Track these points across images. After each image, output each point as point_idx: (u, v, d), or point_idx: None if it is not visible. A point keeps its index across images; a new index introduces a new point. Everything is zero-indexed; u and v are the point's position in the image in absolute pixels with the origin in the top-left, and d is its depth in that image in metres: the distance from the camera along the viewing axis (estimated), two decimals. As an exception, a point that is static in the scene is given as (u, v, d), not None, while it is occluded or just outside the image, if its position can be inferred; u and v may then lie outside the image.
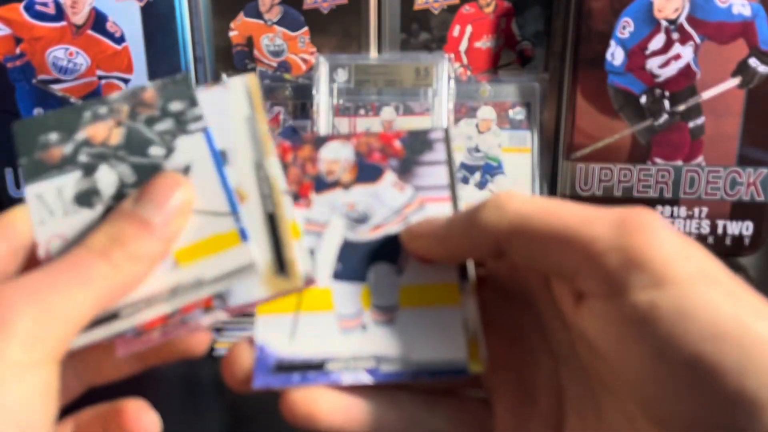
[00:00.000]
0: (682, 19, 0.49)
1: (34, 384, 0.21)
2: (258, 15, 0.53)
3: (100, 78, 0.51)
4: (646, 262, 0.19)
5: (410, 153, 0.28)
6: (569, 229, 0.20)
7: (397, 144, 0.28)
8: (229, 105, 0.27)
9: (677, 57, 0.50)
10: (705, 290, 0.18)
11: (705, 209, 0.52)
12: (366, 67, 0.49)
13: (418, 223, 0.26)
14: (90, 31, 0.50)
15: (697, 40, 0.49)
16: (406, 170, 0.28)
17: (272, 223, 0.26)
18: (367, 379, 0.25)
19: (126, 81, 0.51)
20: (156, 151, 0.26)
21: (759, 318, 0.18)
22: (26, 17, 0.49)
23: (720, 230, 0.52)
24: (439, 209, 0.27)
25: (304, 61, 0.54)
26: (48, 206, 0.26)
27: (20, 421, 0.21)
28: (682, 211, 0.52)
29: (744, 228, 0.52)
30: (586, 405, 0.23)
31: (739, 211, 0.52)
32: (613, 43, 0.50)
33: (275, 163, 0.26)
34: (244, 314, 0.26)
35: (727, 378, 0.18)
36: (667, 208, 0.52)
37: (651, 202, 0.53)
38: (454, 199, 0.27)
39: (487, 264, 0.27)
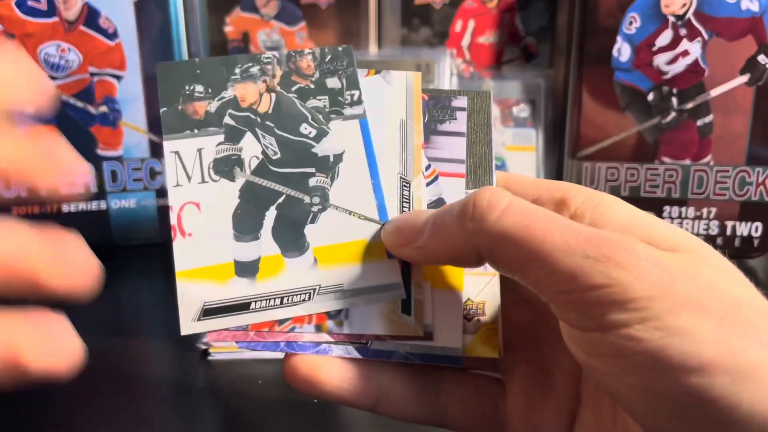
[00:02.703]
0: (690, 15, 0.49)
1: None
2: (254, 9, 0.53)
3: (93, 75, 0.50)
4: (628, 300, 0.18)
5: (428, 118, 0.25)
6: (549, 258, 0.19)
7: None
8: (385, 101, 0.24)
9: (685, 53, 0.49)
10: (689, 321, 0.18)
11: (713, 210, 0.51)
12: (366, 63, 0.48)
13: (397, 226, 0.24)
14: (82, 27, 0.49)
15: (705, 36, 0.49)
16: (424, 137, 0.25)
17: None
18: (356, 354, 0.24)
19: (119, 78, 0.50)
20: (307, 130, 0.24)
21: (749, 342, 0.18)
22: (17, 13, 0.48)
23: (729, 231, 0.51)
24: (453, 185, 0.25)
25: (302, 57, 0.54)
26: (185, 168, 0.23)
27: None
28: (690, 211, 0.51)
29: (753, 229, 0.51)
30: (602, 397, 0.23)
31: (748, 211, 0.51)
32: (619, 39, 0.50)
33: (422, 184, 0.24)
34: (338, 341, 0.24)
35: (716, 408, 0.17)
36: (675, 209, 0.52)
37: (658, 202, 0.52)
38: (489, 172, 0.25)
39: None
